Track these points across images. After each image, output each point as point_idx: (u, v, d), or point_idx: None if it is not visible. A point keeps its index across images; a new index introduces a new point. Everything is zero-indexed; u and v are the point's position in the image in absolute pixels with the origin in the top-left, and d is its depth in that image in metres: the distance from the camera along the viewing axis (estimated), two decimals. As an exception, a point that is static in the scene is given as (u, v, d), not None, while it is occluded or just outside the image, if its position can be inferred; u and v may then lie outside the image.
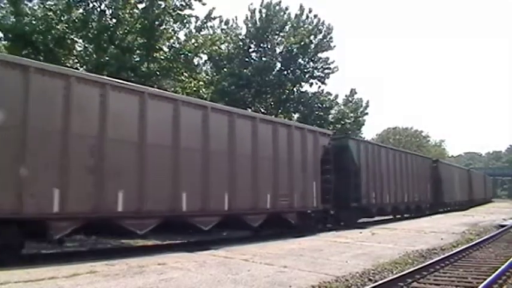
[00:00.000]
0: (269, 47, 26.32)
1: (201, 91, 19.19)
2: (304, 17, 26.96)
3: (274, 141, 12.95)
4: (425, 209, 25.69)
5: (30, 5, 14.94)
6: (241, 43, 26.02)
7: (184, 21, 17.24)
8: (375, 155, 19.16)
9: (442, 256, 9.44)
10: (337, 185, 15.61)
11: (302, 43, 25.49)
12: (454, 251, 10.26)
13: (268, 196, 12.43)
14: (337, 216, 16.56)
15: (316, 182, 14.55)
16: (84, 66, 15.45)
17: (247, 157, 11.92)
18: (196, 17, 17.72)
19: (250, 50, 26.38)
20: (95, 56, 15.56)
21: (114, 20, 15.91)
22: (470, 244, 11.65)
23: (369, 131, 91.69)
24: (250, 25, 26.23)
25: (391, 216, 21.71)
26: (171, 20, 16.79)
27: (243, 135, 11.83)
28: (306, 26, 26.70)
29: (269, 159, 12.64)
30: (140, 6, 16.28)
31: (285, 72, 26.47)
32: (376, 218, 19.74)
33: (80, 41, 16.03)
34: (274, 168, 12.81)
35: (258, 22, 26.05)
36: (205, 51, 19.06)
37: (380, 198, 19.19)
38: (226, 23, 26.35)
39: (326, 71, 27.30)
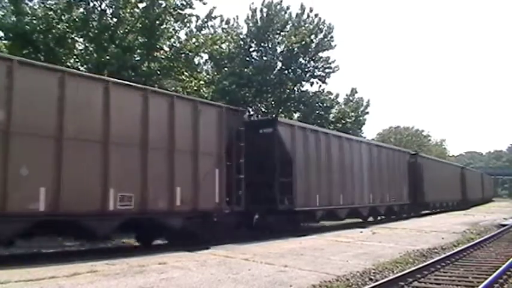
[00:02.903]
0: (270, 46, 26.29)
1: (201, 90, 19.19)
2: (305, 16, 26.94)
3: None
4: None
5: (30, 4, 14.96)
6: (242, 42, 26.00)
7: (185, 20, 17.24)
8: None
9: (443, 255, 9.44)
10: None
11: (303, 42, 25.45)
12: (455, 251, 10.25)
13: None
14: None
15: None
16: (85, 66, 15.46)
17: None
18: (197, 16, 17.74)
19: (251, 49, 26.36)
20: (95, 55, 15.55)
21: (114, 20, 15.91)
22: (471, 243, 11.64)
23: (370, 131, 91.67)
24: (251, 24, 26.22)
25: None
26: (172, 19, 16.79)
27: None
28: (306, 25, 26.67)
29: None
30: (141, 5, 16.27)
31: (286, 72, 26.45)
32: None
33: (81, 40, 16.03)
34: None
35: (259, 21, 26.04)
36: (206, 51, 19.06)
37: None
38: (227, 22, 26.35)
39: (327, 70, 27.27)
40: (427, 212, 25.27)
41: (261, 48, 26.29)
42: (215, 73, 25.29)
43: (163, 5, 16.11)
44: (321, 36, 26.98)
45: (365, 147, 18.88)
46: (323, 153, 15.33)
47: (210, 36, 18.94)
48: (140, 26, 15.98)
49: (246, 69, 24.50)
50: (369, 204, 18.23)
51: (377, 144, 21.62)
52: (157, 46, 16.55)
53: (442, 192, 27.88)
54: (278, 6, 26.28)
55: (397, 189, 21.07)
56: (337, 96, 28.98)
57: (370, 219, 19.30)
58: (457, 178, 34.65)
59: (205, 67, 25.27)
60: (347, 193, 16.49)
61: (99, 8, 15.74)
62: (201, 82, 19.39)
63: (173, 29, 17.27)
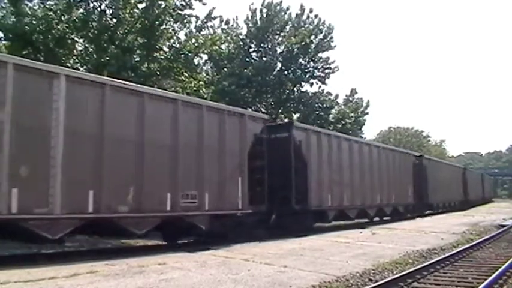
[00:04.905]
0: (270, 46, 26.34)
1: (201, 91, 19.19)
2: (304, 16, 27.03)
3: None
4: None
5: (30, 4, 14.96)
6: (241, 43, 26.04)
7: (185, 21, 17.26)
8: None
9: (443, 256, 9.43)
10: None
11: (303, 43, 25.51)
12: (455, 251, 10.24)
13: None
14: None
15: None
16: (85, 66, 15.47)
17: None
18: (197, 17, 17.77)
19: (251, 49, 26.41)
20: (95, 56, 15.57)
21: (114, 20, 15.91)
22: (471, 244, 11.64)
23: (370, 131, 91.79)
24: (250, 25, 26.26)
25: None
26: (172, 19, 16.80)
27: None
28: (306, 25, 26.75)
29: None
30: (140, 6, 16.28)
31: (286, 72, 26.49)
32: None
33: (80, 40, 16.05)
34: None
35: (258, 22, 26.08)
36: (205, 51, 19.07)
37: None
38: (227, 22, 26.41)
39: (326, 70, 27.34)
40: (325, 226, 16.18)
41: (260, 48, 26.34)
42: (215, 74, 25.33)
43: (163, 5, 16.11)
44: (320, 36, 27.05)
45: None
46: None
47: (210, 36, 18.94)
48: (140, 26, 15.99)
49: (245, 70, 24.53)
50: (165, 212, 9.76)
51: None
52: (157, 47, 16.56)
53: (362, 194, 17.60)
54: (278, 7, 26.35)
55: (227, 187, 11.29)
56: (336, 96, 29.06)
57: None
58: (408, 172, 22.71)
59: (204, 68, 25.31)
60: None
61: (98, 9, 15.75)
62: (201, 83, 19.38)
63: (173, 30, 17.28)
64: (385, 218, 19.93)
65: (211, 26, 21.34)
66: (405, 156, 23.76)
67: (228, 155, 11.31)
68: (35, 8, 14.97)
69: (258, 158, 12.28)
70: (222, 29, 25.65)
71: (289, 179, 13.45)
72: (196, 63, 20.42)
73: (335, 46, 27.48)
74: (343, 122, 28.25)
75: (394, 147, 26.58)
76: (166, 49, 17.21)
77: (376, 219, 19.47)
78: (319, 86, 27.76)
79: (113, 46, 15.57)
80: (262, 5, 26.18)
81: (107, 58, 15.15)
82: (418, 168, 24.26)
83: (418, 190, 23.48)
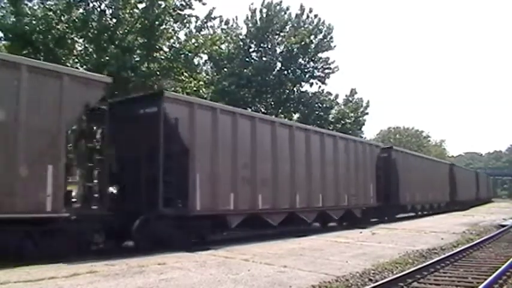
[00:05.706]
0: (269, 46, 26.39)
1: (201, 91, 19.21)
2: (304, 16, 27.10)
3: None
4: None
5: (30, 4, 14.99)
6: (241, 43, 26.09)
7: (185, 21, 17.30)
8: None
9: (443, 256, 9.43)
10: None
11: (302, 43, 25.58)
12: (455, 251, 10.24)
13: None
14: None
15: None
16: (85, 66, 15.47)
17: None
18: (197, 17, 17.81)
19: (251, 49, 26.46)
20: (95, 55, 15.59)
21: (114, 20, 15.94)
22: (471, 244, 11.64)
23: (370, 131, 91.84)
24: (250, 25, 26.31)
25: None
26: (171, 19, 16.83)
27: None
28: (306, 25, 26.81)
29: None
30: (140, 6, 16.32)
31: (285, 72, 26.55)
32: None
33: (80, 40, 16.07)
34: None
35: (258, 22, 26.13)
36: (205, 51, 19.11)
37: None
38: (227, 22, 26.48)
39: (326, 70, 27.42)
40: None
41: (260, 48, 26.40)
42: (215, 74, 25.37)
43: (163, 5, 16.14)
44: (320, 36, 27.13)
45: None
46: None
47: (210, 36, 18.98)
48: (140, 26, 16.02)
49: (245, 70, 24.57)
50: None
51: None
52: (157, 46, 16.58)
53: (292, 194, 13.19)
54: (278, 7, 26.42)
55: None
56: (336, 96, 29.13)
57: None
58: (369, 167, 18.22)
59: (204, 68, 25.36)
60: None
61: (98, 9, 15.77)
62: (201, 83, 19.41)
63: (173, 30, 17.31)
64: (331, 225, 16.08)
65: (211, 26, 21.44)
66: (364, 146, 18.46)
67: (26, 132, 7.55)
68: (35, 8, 14.99)
69: (95, 139, 8.92)
70: (222, 29, 25.71)
71: (157, 171, 9.68)
72: (196, 63, 20.49)
73: (335, 46, 27.60)
74: (343, 122, 28.30)
75: (347, 136, 19.06)
76: (166, 49, 17.24)
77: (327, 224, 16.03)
78: (319, 86, 27.89)
79: (112, 46, 15.58)
80: (262, 5, 26.29)
81: (107, 58, 15.16)
82: (384, 162, 20.02)
83: (385, 189, 19.44)
